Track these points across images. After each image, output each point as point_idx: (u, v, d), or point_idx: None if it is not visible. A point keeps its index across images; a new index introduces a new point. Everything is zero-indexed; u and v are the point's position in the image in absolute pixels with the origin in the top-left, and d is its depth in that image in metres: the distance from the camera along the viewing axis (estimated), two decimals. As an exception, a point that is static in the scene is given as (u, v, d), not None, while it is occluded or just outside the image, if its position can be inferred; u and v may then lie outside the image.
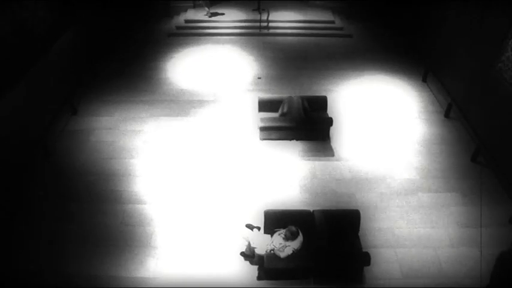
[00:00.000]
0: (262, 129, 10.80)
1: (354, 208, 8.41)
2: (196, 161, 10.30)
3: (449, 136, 11.33)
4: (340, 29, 17.41)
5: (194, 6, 18.42)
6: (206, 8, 17.40)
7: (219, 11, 18.09)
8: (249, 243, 7.54)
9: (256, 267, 7.75)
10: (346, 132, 11.37)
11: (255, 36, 16.79)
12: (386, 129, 11.51)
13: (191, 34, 16.99)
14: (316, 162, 10.33)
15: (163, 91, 13.17)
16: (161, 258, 8.00)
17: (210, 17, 17.53)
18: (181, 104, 12.52)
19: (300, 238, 7.28)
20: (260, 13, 16.94)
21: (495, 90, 10.40)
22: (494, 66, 10.46)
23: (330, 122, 10.90)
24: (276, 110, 11.19)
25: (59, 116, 11.75)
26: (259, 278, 7.61)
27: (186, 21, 17.57)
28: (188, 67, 14.63)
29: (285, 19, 17.56)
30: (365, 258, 7.44)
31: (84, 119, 11.86)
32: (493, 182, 9.79)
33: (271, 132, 10.88)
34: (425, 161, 10.42)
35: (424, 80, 13.77)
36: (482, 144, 10.37)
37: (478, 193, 9.42)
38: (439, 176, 9.96)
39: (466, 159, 10.49)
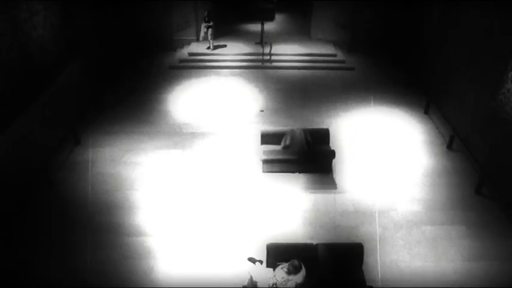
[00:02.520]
0: (265, 161, 10.80)
1: (358, 241, 8.31)
2: (198, 194, 10.26)
3: (453, 168, 11.29)
4: (342, 62, 17.62)
5: (197, 40, 18.73)
6: (209, 41, 17.71)
7: (222, 44, 18.40)
8: (251, 277, 7.42)
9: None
10: (349, 165, 11.35)
11: (257, 69, 17.00)
12: (389, 161, 11.49)
13: (194, 67, 17.22)
14: (319, 195, 10.28)
15: (165, 123, 13.25)
16: (162, 292, 7.90)
17: (213, 49, 17.82)
18: (183, 136, 12.57)
19: (303, 272, 7.17)
20: (263, 46, 17.19)
21: (497, 122, 10.43)
22: (495, 98, 10.53)
23: (332, 154, 10.90)
24: (278, 143, 11.20)
25: (62, 146, 11.82)
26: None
27: (190, 54, 17.84)
28: (191, 99, 14.77)
29: (287, 52, 17.81)
30: (369, 293, 7.33)
31: (87, 150, 11.90)
32: (498, 214, 9.71)
33: (273, 164, 10.87)
34: (429, 193, 10.35)
35: (426, 112, 13.83)
36: (485, 176, 10.33)
37: (483, 226, 9.33)
38: (443, 208, 9.87)
39: (470, 191, 10.42)
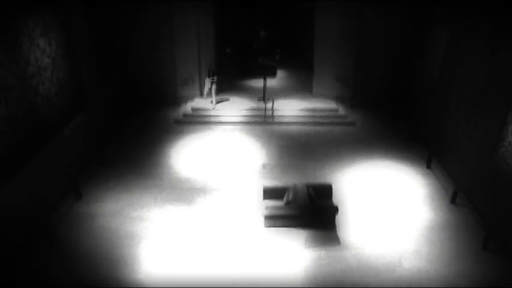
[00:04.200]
0: (267, 217, 10.72)
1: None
2: (200, 248, 10.10)
3: (458, 223, 11.15)
4: (344, 117, 17.82)
5: (201, 95, 19.06)
6: (213, 97, 18.01)
7: (225, 99, 18.70)
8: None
9: None
10: (352, 220, 11.22)
11: (260, 124, 17.19)
12: (393, 217, 11.37)
13: (197, 122, 17.45)
14: (322, 251, 10.09)
15: (168, 177, 13.25)
16: None
17: (216, 104, 18.09)
18: (186, 190, 12.53)
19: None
20: (265, 102, 17.46)
21: (500, 176, 10.41)
22: (497, 152, 10.56)
23: (335, 210, 10.82)
24: (281, 198, 11.16)
25: (64, 200, 11.80)
26: None
27: (193, 109, 18.10)
28: (194, 154, 14.84)
29: (289, 108, 18.06)
30: None
31: (89, 204, 11.86)
32: (506, 269, 9.48)
33: (276, 220, 10.77)
34: (435, 249, 10.16)
35: (429, 167, 13.83)
36: (492, 231, 10.19)
37: (492, 281, 9.09)
38: (450, 264, 9.65)
39: (477, 246, 10.23)
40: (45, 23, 11.38)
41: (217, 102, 18.24)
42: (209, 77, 17.82)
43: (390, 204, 11.91)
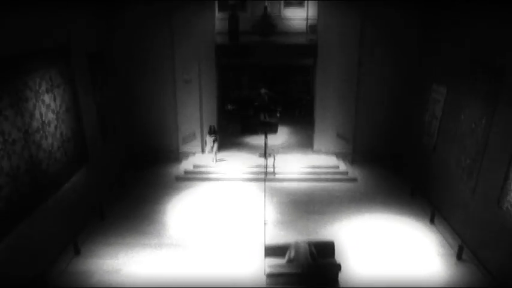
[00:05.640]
0: (270, 275, 10.50)
1: None
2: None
3: (465, 279, 10.90)
4: (345, 173, 17.81)
5: (202, 152, 19.16)
6: (214, 154, 18.09)
7: (226, 156, 18.77)
8: None
9: None
10: (356, 277, 10.95)
11: (261, 181, 17.09)
12: (397, 273, 11.11)
13: (199, 179, 17.43)
14: (326, 310, 9.81)
15: (168, 235, 13.06)
16: None
17: (217, 161, 18.14)
18: (186, 249, 12.32)
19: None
20: (266, 158, 17.50)
21: (506, 231, 10.25)
22: (502, 207, 10.45)
23: (338, 267, 10.61)
24: (282, 256, 10.95)
25: (62, 255, 11.62)
26: None
27: (195, 166, 18.13)
28: (194, 211, 14.70)
29: (290, 164, 18.10)
30: None
31: (87, 260, 11.65)
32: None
33: (278, 278, 10.53)
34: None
35: (432, 222, 13.65)
36: (499, 286, 9.92)
37: None
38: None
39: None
40: (51, 79, 11.65)
41: (219, 159, 18.29)
42: (210, 134, 17.99)
43: (395, 261, 11.68)
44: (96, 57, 14.99)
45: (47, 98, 11.39)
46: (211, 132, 17.98)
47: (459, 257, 11.71)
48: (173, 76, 17.90)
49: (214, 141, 17.97)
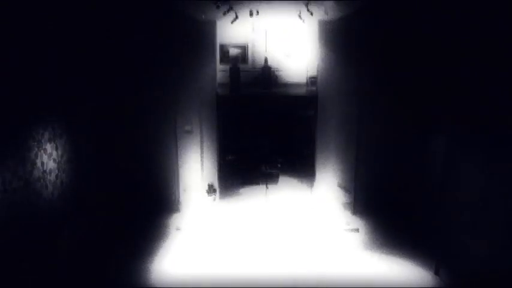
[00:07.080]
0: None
1: None
2: None
3: None
4: (346, 224, 17.59)
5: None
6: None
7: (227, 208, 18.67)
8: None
9: None
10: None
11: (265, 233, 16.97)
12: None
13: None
14: None
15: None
16: None
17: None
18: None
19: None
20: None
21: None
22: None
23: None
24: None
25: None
26: None
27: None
28: (196, 265, 14.34)
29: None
30: None
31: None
32: None
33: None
34: None
35: (437, 273, 13.37)
36: None
37: None
38: None
39: None
40: (54, 129, 11.80)
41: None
42: (209, 193, 17.90)
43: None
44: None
45: (49, 148, 11.52)
46: (211, 191, 17.91)
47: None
48: (174, 125, 18.04)
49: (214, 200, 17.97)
